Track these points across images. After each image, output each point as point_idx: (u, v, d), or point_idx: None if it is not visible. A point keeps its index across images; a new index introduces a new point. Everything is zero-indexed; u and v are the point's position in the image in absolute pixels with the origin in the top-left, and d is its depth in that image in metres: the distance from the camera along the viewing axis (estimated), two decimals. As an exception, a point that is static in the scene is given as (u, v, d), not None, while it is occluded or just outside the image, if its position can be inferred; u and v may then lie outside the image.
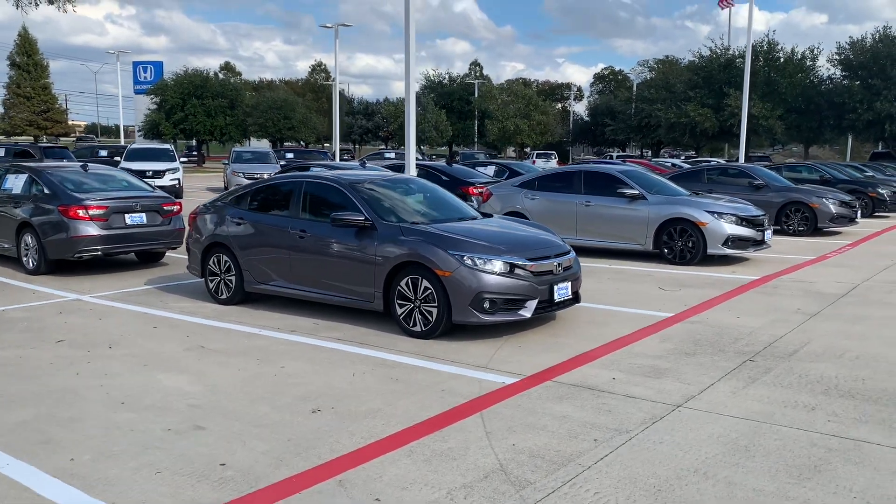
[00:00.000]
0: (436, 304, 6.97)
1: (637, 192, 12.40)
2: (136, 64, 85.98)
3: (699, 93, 40.03)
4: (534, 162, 49.21)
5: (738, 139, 40.16)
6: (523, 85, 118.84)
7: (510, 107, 52.97)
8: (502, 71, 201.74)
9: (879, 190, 21.49)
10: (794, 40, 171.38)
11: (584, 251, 12.73)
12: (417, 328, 7.14)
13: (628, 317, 8.13)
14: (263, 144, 66.15)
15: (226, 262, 8.77)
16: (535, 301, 7.07)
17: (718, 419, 4.99)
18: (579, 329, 7.55)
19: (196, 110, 61.67)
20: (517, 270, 7.01)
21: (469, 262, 6.89)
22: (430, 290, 7.00)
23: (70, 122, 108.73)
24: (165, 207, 11.56)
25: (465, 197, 16.27)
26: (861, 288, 9.82)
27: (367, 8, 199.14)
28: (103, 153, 35.21)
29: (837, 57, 38.28)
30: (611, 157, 58.41)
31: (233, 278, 8.70)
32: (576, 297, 7.68)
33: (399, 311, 7.26)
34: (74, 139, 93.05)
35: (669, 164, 31.57)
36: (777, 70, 38.70)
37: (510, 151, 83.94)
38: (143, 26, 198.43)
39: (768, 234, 12.20)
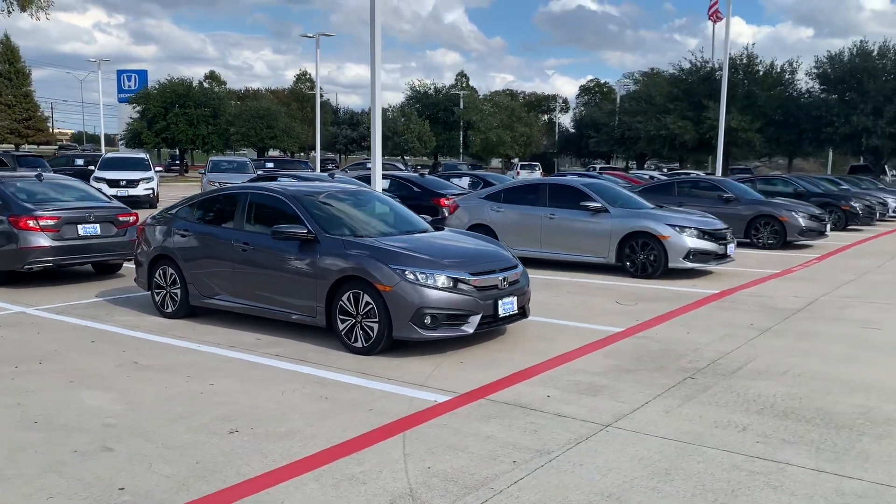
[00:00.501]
0: (377, 320, 6.83)
1: (600, 205, 12.32)
2: (120, 72, 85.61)
3: (679, 105, 40.18)
4: (518, 173, 49.17)
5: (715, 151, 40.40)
6: (510, 96, 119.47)
7: (493, 118, 52.86)
8: (492, 82, 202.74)
9: (852, 203, 21.55)
10: (781, 54, 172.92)
11: (549, 264, 12.71)
12: (359, 344, 7.00)
13: (578, 331, 8.02)
14: (250, 154, 66.02)
15: (171, 274, 8.61)
16: (479, 316, 6.94)
17: (645, 440, 4.87)
18: (526, 344, 7.43)
19: (178, 119, 61.44)
20: (460, 285, 6.89)
21: (411, 276, 6.76)
22: (371, 306, 6.86)
23: (54, 131, 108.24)
24: (121, 218, 11.39)
25: (436, 209, 16.19)
26: (818, 303, 9.75)
27: (356, 18, 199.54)
28: (80, 162, 34.88)
29: (816, 71, 38.52)
30: (594, 169, 58.64)
31: (178, 292, 8.53)
32: (522, 312, 7.56)
33: (341, 326, 7.12)
34: (57, 147, 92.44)
35: (647, 177, 31.59)
36: (756, 83, 38.89)
37: (496, 163, 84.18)
38: (131, 35, 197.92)
39: (731, 247, 12.14)
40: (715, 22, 52.34)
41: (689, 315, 8.96)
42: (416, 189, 18.51)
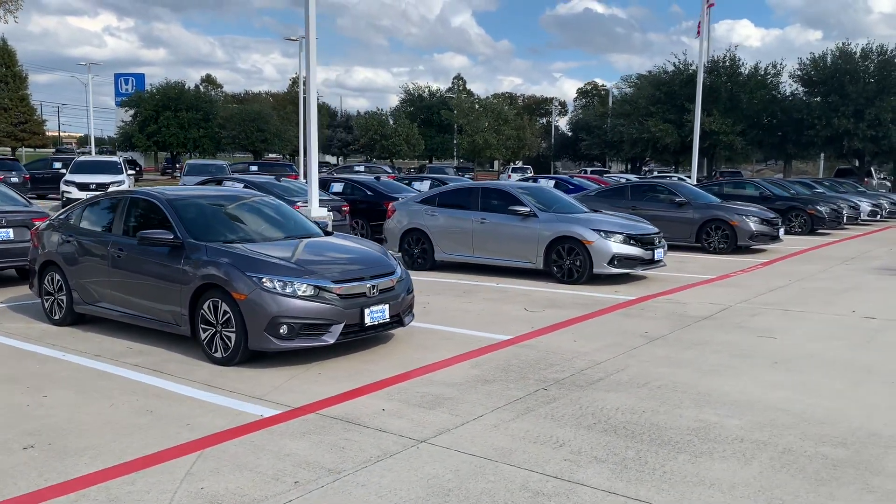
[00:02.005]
0: (235, 330, 6.64)
1: (528, 209, 12.11)
2: (117, 76, 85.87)
3: (661, 108, 39.86)
4: (509, 176, 48.96)
5: (701, 154, 40.08)
6: (509, 99, 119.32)
7: (480, 121, 52.63)
8: (499, 85, 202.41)
9: (818, 207, 21.29)
10: (790, 56, 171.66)
11: (481, 269, 12.54)
12: (219, 354, 6.81)
13: (465, 340, 7.80)
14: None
15: (58, 280, 8.44)
16: (341, 326, 6.74)
17: (450, 457, 4.66)
18: (399, 354, 7.22)
19: (169, 122, 61.40)
20: (322, 293, 6.69)
21: (268, 284, 6.56)
22: (229, 314, 6.67)
23: (61, 134, 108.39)
24: (36, 223, 11.20)
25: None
26: (730, 310, 9.52)
27: (365, 22, 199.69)
28: (57, 165, 34.84)
29: (799, 73, 38.17)
30: (584, 172, 58.33)
31: (64, 298, 8.36)
32: (399, 321, 7.35)
33: (203, 335, 6.93)
34: (55, 150, 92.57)
35: (623, 180, 31.31)
36: (738, 85, 38.55)
37: (495, 165, 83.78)
38: (141, 38, 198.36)
39: (659, 252, 11.91)
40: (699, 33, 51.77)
41: (589, 322, 8.74)
42: (368, 192, 18.37)
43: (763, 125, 38.61)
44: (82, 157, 32.90)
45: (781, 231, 16.57)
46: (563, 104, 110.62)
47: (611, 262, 11.38)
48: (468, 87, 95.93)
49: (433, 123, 69.81)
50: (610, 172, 58.00)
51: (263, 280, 6.58)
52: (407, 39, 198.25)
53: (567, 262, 11.67)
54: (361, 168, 47.33)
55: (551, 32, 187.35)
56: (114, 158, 31.16)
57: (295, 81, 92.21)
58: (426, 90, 73.62)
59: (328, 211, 15.51)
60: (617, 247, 11.42)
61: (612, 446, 4.85)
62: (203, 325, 6.90)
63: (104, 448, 4.82)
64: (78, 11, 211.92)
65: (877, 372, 6.62)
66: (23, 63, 79.76)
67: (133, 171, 31.05)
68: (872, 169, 41.18)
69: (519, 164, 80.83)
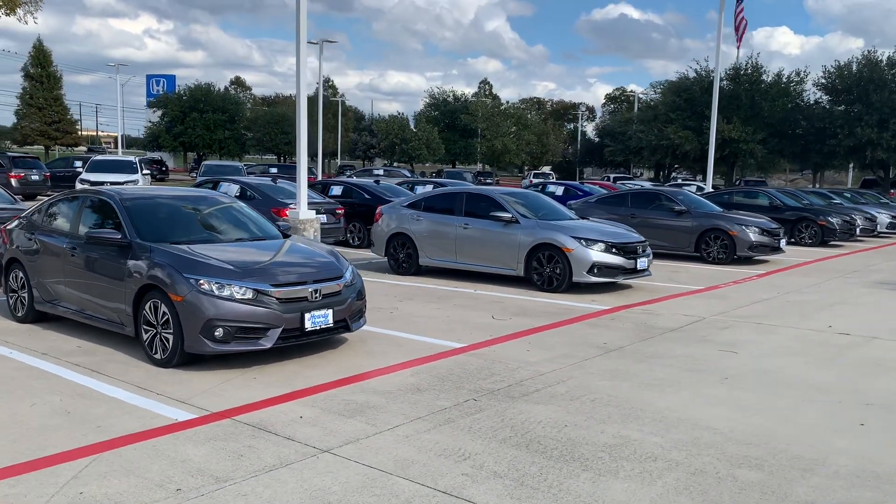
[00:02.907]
0: (172, 332, 6.59)
1: (510, 215, 11.95)
2: (149, 77, 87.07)
3: (681, 115, 39.34)
4: (531, 182, 48.71)
5: (723, 162, 39.52)
6: (537, 105, 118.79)
7: (499, 126, 52.38)
8: (533, 90, 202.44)
9: (829, 219, 20.79)
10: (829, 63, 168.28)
11: (465, 275, 12.43)
12: (158, 356, 6.77)
13: (417, 347, 7.68)
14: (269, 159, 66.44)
15: (21, 278, 8.48)
16: (279, 330, 6.66)
17: (347, 468, 4.55)
18: (343, 360, 7.12)
19: (196, 123, 62.14)
20: (260, 297, 6.62)
21: (205, 286, 6.51)
22: (167, 316, 6.63)
23: (88, 132, 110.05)
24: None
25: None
26: (702, 322, 9.28)
27: (400, 26, 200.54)
28: (78, 164, 35.40)
29: (823, 81, 37.44)
30: (608, 178, 57.85)
31: (26, 296, 8.40)
32: (343, 326, 7.25)
33: (145, 336, 6.89)
34: (86, 149, 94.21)
35: (638, 187, 30.94)
36: (760, 93, 37.90)
37: (524, 171, 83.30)
38: (180, 41, 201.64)
39: (643, 261, 11.68)
40: (739, 39, 51.06)
41: (551, 332, 8.57)
42: (366, 196, 18.34)
43: (785, 134, 37.89)
44: (99, 157, 33.37)
45: (783, 242, 16.19)
46: (591, 109, 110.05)
47: (590, 271, 11.17)
48: (496, 91, 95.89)
49: (457, 128, 69.72)
50: (633, 179, 57.56)
51: (201, 282, 6.53)
52: (441, 44, 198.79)
53: (547, 270, 11.50)
54: (381, 171, 47.37)
55: (586, 38, 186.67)
56: (130, 158, 31.56)
57: (322, 84, 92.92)
58: (451, 94, 73.51)
59: (317, 213, 15.54)
60: (597, 255, 11.21)
61: (517, 461, 4.70)
62: (145, 326, 6.88)
63: (4, 448, 4.77)
64: (119, 14, 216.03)
65: (828, 391, 6.38)
66: (58, 64, 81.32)
67: (147, 172, 31.32)
68: (899, 180, 40.21)
69: (546, 169, 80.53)
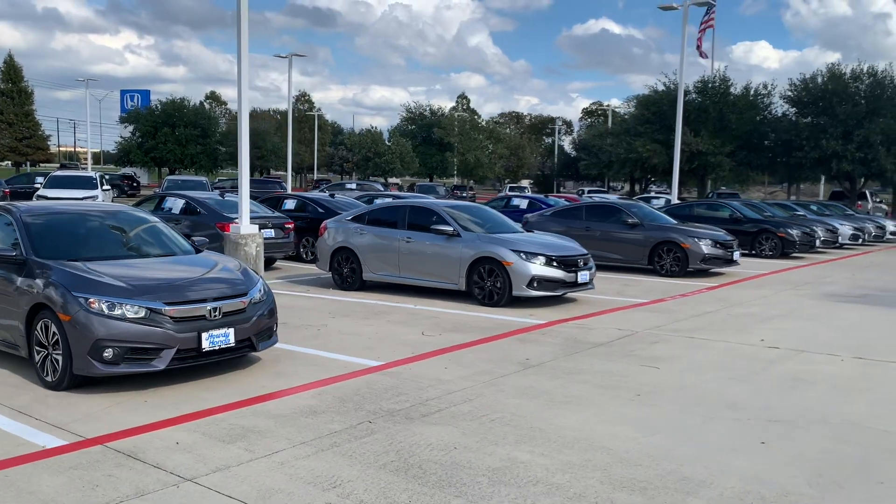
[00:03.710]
0: (62, 353, 6.29)
1: (451, 229, 11.74)
2: (123, 92, 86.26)
3: (649, 128, 39.39)
4: (507, 195, 48.58)
5: (694, 175, 39.61)
6: (515, 118, 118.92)
7: (471, 139, 52.34)
8: (515, 104, 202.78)
9: (789, 231, 20.75)
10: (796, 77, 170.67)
11: (410, 290, 12.20)
12: (49, 378, 6.47)
13: (331, 366, 7.41)
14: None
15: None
16: (173, 350, 6.37)
17: (204, 499, 4.28)
18: (246, 380, 6.84)
19: (167, 138, 61.56)
20: (153, 316, 6.33)
21: (94, 305, 6.23)
22: (57, 336, 6.33)
23: (77, 150, 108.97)
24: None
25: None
26: (634, 336, 9.08)
27: (382, 42, 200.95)
28: (40, 180, 34.89)
29: (790, 93, 37.65)
30: (581, 192, 57.87)
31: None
32: (248, 345, 6.97)
33: (37, 357, 6.58)
34: (59, 165, 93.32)
35: (599, 199, 30.88)
36: (727, 106, 38.03)
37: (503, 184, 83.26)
38: (161, 56, 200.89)
39: (584, 275, 11.49)
40: (702, 56, 51.40)
41: (477, 348, 8.33)
42: (320, 210, 18.07)
43: (753, 146, 38.02)
44: (58, 172, 32.92)
45: (737, 254, 16.08)
46: (568, 124, 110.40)
47: (530, 285, 10.97)
48: (479, 105, 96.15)
49: (433, 142, 69.67)
50: (606, 192, 57.59)
51: (90, 301, 6.24)
52: (424, 59, 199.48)
53: (488, 284, 11.29)
54: (353, 185, 47.14)
55: (568, 53, 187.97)
56: (90, 174, 31.13)
57: (298, 99, 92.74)
58: (427, 108, 73.57)
59: (265, 228, 15.26)
60: (537, 268, 11.01)
61: (389, 489, 4.44)
62: (37, 347, 6.58)
63: None
64: (100, 29, 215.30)
65: (740, 407, 6.17)
66: (29, 79, 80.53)
67: (108, 188, 30.90)
68: (868, 192, 40.43)
69: (525, 182, 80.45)
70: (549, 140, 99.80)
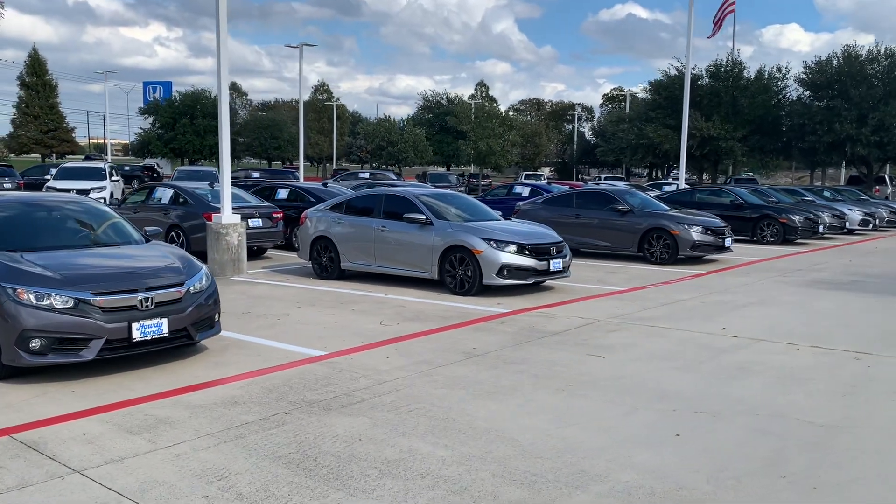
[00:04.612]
0: (-9, 344, 6.30)
1: (424, 217, 11.63)
2: (146, 84, 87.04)
3: (661, 113, 38.85)
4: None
5: (705, 160, 39.05)
6: (536, 106, 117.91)
7: (484, 127, 52.02)
8: (542, 92, 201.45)
9: (791, 216, 20.34)
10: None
11: (387, 279, 12.16)
12: (-18, 368, 6.47)
13: (274, 356, 7.37)
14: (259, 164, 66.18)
15: None
16: (102, 341, 6.35)
17: (84, 491, 4.25)
18: (182, 370, 6.81)
19: (186, 129, 62.06)
20: (82, 306, 6.32)
21: (22, 296, 6.23)
22: (-14, 327, 6.33)
23: (95, 141, 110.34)
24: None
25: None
26: (594, 325, 8.93)
27: (408, 30, 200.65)
28: (53, 171, 35.30)
29: (804, 76, 36.90)
30: (598, 179, 57.45)
31: None
32: (185, 335, 6.94)
33: (-29, 349, 6.59)
34: (84, 157, 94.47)
35: (601, 185, 30.52)
36: (740, 90, 37.38)
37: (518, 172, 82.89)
38: (189, 48, 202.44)
39: (557, 262, 11.32)
40: (715, 31, 50.52)
41: (429, 337, 8.24)
42: (312, 199, 18.02)
43: (766, 130, 37.35)
44: (68, 164, 33.26)
45: (728, 241, 15.79)
46: (589, 110, 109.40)
47: (500, 273, 10.84)
48: (506, 93, 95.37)
49: (451, 130, 69.36)
50: (624, 179, 57.02)
51: (18, 291, 6.24)
52: (450, 47, 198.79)
53: (459, 273, 11.18)
54: (366, 174, 47.07)
55: (594, 38, 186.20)
56: (99, 165, 31.42)
57: (317, 89, 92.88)
58: (444, 97, 73.22)
59: (252, 218, 15.27)
60: (507, 257, 10.88)
61: (274, 481, 4.38)
62: (-29, 339, 6.57)
63: None
64: (129, 22, 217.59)
65: (670, 398, 6.02)
66: (53, 72, 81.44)
67: (117, 179, 31.16)
68: (887, 177, 39.56)
69: (547, 171, 79.90)
70: (570, 127, 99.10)
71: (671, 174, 60.10)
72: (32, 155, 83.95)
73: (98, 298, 6.39)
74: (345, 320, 9.23)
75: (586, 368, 6.93)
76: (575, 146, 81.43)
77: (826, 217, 22.27)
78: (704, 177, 44.38)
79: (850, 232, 24.31)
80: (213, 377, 6.62)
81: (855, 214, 24.83)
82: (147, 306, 6.63)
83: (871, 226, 25.36)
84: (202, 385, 6.37)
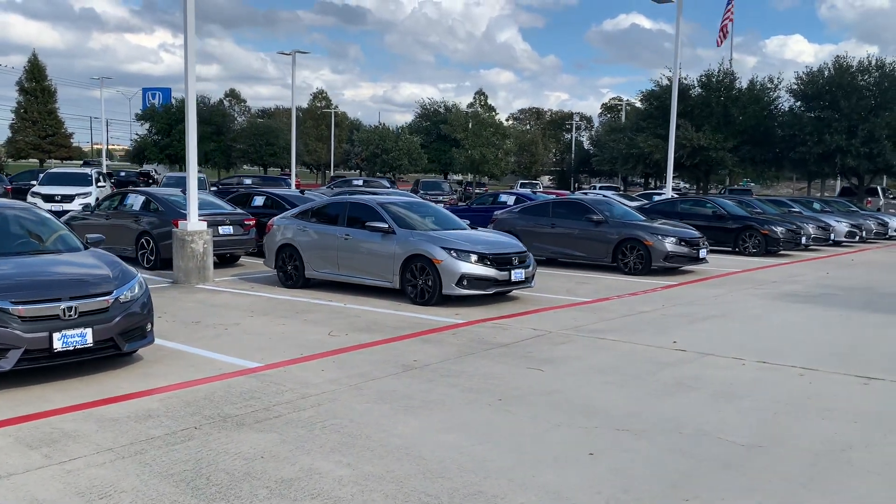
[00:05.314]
0: None
1: (386, 225, 11.50)
2: (145, 90, 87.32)
3: (651, 123, 38.72)
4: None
5: (697, 171, 38.92)
6: (535, 115, 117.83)
7: (478, 135, 51.92)
8: (546, 101, 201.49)
9: (773, 228, 20.16)
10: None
11: (350, 288, 11.99)
12: None
13: (207, 367, 7.22)
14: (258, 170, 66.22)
15: None
16: (20, 351, 6.20)
17: (-44, 509, 4.08)
18: (107, 382, 6.66)
19: (182, 136, 61.95)
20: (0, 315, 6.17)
21: (-61, 305, 6.07)
22: None
23: (109, 147, 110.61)
24: None
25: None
26: (544, 337, 8.77)
27: (412, 39, 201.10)
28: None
29: (795, 87, 36.77)
30: (594, 188, 57.28)
31: None
32: (110, 345, 6.79)
33: None
34: (83, 163, 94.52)
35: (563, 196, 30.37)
36: (731, 100, 37.24)
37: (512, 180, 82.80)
38: (195, 55, 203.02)
39: (519, 273, 11.16)
40: (720, 41, 50.52)
41: (372, 349, 8.08)
42: (287, 206, 17.85)
43: (756, 141, 37.18)
44: (54, 169, 33.21)
45: (703, 252, 15.62)
46: (588, 119, 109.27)
47: (459, 283, 10.69)
48: (500, 102, 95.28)
49: (447, 138, 69.35)
50: (620, 188, 56.87)
51: (-65, 300, 6.09)
52: (454, 55, 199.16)
53: (420, 282, 11.04)
54: (360, 182, 47.01)
55: (598, 48, 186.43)
56: (86, 171, 31.37)
57: (315, 96, 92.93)
58: (441, 105, 73.24)
59: (223, 225, 15.15)
60: (467, 267, 10.73)
61: (157, 500, 4.23)
62: None
63: None
64: (135, 29, 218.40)
65: (597, 415, 5.86)
66: (51, 78, 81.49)
67: (104, 185, 31.06)
68: (880, 189, 39.35)
69: (545, 179, 79.65)
70: (569, 136, 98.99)
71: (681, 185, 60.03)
72: (31, 160, 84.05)
73: (18, 307, 6.25)
74: (294, 330, 9.08)
75: (522, 382, 6.77)
76: (573, 155, 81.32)
77: (810, 229, 22.11)
78: (701, 186, 44.26)
79: (837, 244, 24.15)
80: (138, 389, 6.47)
81: (841, 226, 24.67)
82: (70, 315, 6.48)
83: (857, 238, 25.19)
84: (122, 397, 6.22)
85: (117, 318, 6.81)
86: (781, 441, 5.28)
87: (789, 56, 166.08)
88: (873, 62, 34.94)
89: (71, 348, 6.48)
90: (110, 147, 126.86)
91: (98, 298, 6.73)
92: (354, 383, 6.70)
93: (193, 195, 13.57)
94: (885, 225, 27.71)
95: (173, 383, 6.64)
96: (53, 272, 7.02)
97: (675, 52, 26.80)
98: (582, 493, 4.36)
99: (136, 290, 7.16)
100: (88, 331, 6.57)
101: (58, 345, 6.39)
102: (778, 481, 4.56)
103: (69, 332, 6.45)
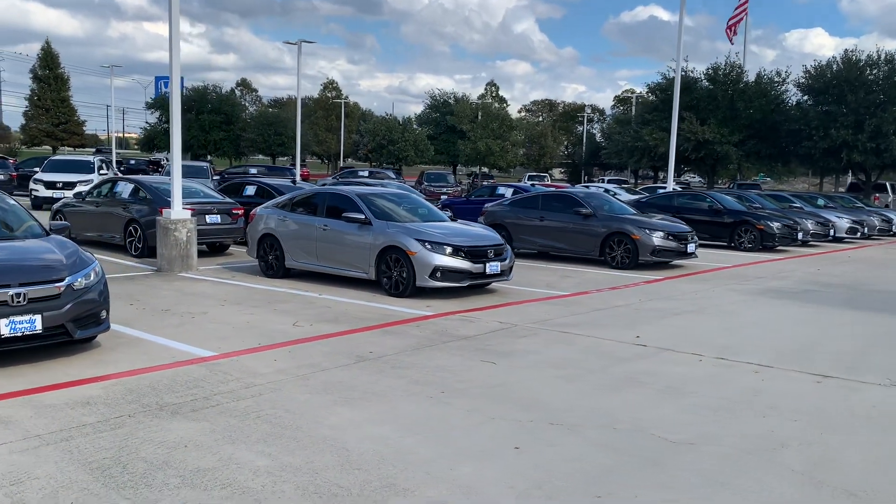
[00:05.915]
0: None
1: (363, 216, 11.48)
2: (157, 79, 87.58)
3: (657, 116, 38.43)
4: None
5: (703, 164, 38.61)
6: (547, 107, 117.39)
7: (483, 129, 51.68)
8: (563, 93, 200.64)
9: (769, 223, 19.99)
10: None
11: (330, 279, 11.96)
12: None
13: (160, 355, 7.22)
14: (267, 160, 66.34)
15: None
16: (-34, 337, 6.22)
17: None
18: (56, 369, 6.68)
19: (191, 125, 62.16)
20: (-54, 301, 6.19)
21: None
22: None
23: (125, 135, 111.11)
24: None
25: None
26: (508, 330, 8.73)
27: (428, 29, 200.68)
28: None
29: (802, 81, 36.35)
30: (602, 181, 56.97)
31: None
32: (61, 332, 6.80)
33: None
34: (94, 150, 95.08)
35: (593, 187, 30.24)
36: (738, 94, 36.89)
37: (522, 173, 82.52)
38: (212, 44, 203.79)
39: (494, 265, 11.10)
40: (731, 38, 49.98)
41: (330, 340, 8.07)
42: (275, 195, 17.87)
43: (763, 135, 36.83)
44: (57, 157, 33.38)
45: (692, 246, 15.50)
46: (601, 112, 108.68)
47: (433, 275, 10.65)
48: (516, 93, 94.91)
49: (456, 129, 69.16)
50: (626, 181, 56.59)
51: None
52: (470, 46, 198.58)
53: (394, 274, 11.01)
54: (365, 173, 46.99)
55: (616, 40, 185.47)
56: (88, 158, 31.53)
57: (326, 87, 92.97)
58: (451, 96, 72.93)
59: (205, 214, 15.18)
60: (441, 259, 10.69)
61: (67, 487, 4.23)
62: None
63: None
64: (153, 17, 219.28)
65: (535, 409, 5.81)
66: (64, 65, 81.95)
67: (105, 172, 31.18)
68: (889, 184, 38.90)
69: (557, 171, 79.23)
70: (580, 129, 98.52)
71: (682, 177, 59.59)
72: (45, 147, 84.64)
73: (-36, 294, 6.26)
74: (260, 320, 9.07)
75: (470, 375, 6.73)
76: (584, 148, 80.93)
77: (809, 224, 21.92)
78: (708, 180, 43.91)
79: (838, 240, 23.92)
80: (85, 376, 6.48)
81: (842, 222, 24.44)
82: (19, 302, 6.50)
83: (859, 234, 24.93)
84: (66, 384, 6.23)
85: (69, 305, 6.81)
86: (714, 438, 5.22)
87: (809, 49, 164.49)
88: (882, 56, 34.50)
89: (19, 334, 6.50)
90: (127, 135, 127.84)
91: (49, 285, 6.74)
92: (302, 374, 6.68)
93: (177, 183, 13.58)
94: (889, 221, 27.44)
95: (122, 371, 6.65)
96: (5, 258, 7.02)
97: (677, 44, 26.56)
98: (494, 487, 4.33)
99: (92, 278, 7.17)
100: (38, 317, 6.59)
101: (5, 331, 6.40)
102: (696, 479, 4.50)
103: (17, 319, 6.46)
